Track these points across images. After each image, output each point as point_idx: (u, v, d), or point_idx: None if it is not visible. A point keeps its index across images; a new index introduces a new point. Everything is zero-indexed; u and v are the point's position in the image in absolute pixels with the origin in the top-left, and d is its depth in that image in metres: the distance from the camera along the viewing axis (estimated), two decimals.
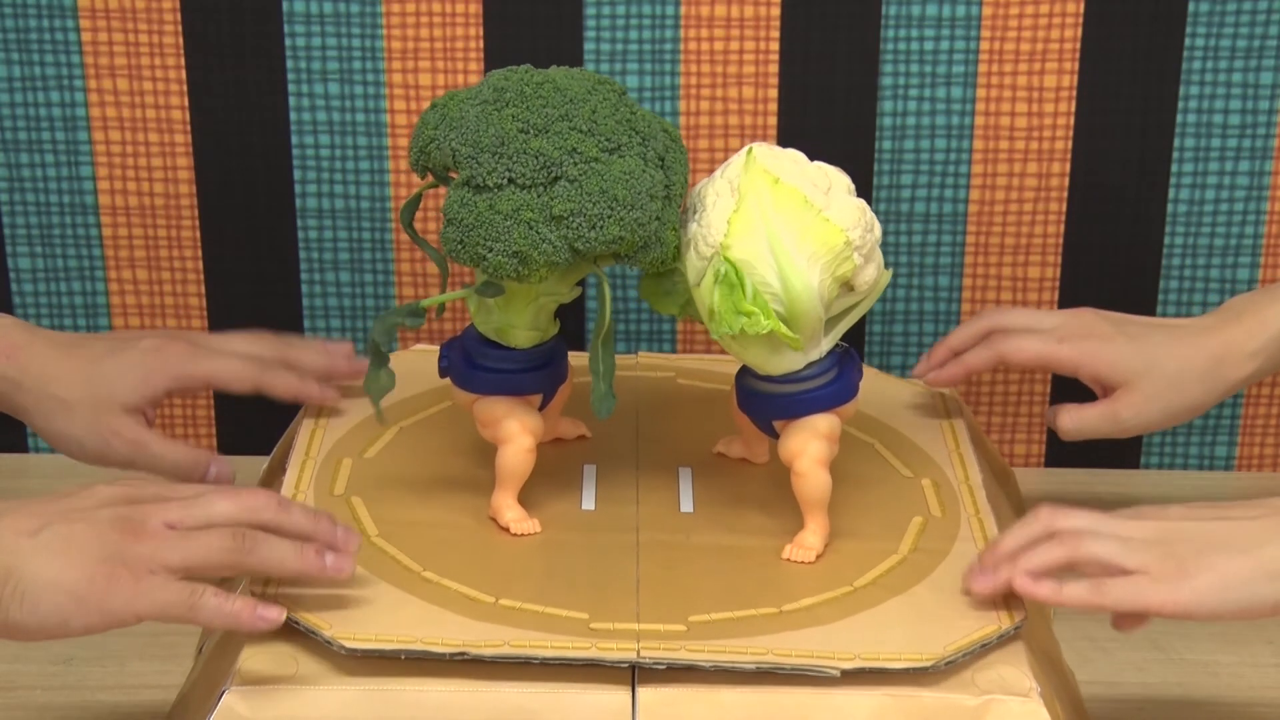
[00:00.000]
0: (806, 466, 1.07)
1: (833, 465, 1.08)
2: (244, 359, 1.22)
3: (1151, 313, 1.42)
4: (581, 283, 1.11)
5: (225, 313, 1.43)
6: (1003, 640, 1.01)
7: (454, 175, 1.05)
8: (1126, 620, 1.02)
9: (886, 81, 1.37)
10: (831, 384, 1.07)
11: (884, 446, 1.21)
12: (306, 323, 1.43)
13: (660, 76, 1.37)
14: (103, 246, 1.41)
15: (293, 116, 1.38)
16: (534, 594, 1.02)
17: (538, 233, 1.01)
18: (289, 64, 1.37)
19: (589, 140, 1.02)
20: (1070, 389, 1.29)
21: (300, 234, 1.41)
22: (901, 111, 1.38)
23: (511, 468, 1.10)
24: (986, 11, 1.35)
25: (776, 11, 1.35)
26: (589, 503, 1.13)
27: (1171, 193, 1.39)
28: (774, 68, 1.37)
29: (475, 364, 1.09)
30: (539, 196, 1.01)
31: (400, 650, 0.97)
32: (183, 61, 1.36)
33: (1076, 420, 1.22)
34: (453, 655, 0.97)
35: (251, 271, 1.42)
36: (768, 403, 1.08)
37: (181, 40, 1.36)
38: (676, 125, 1.37)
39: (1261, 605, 0.98)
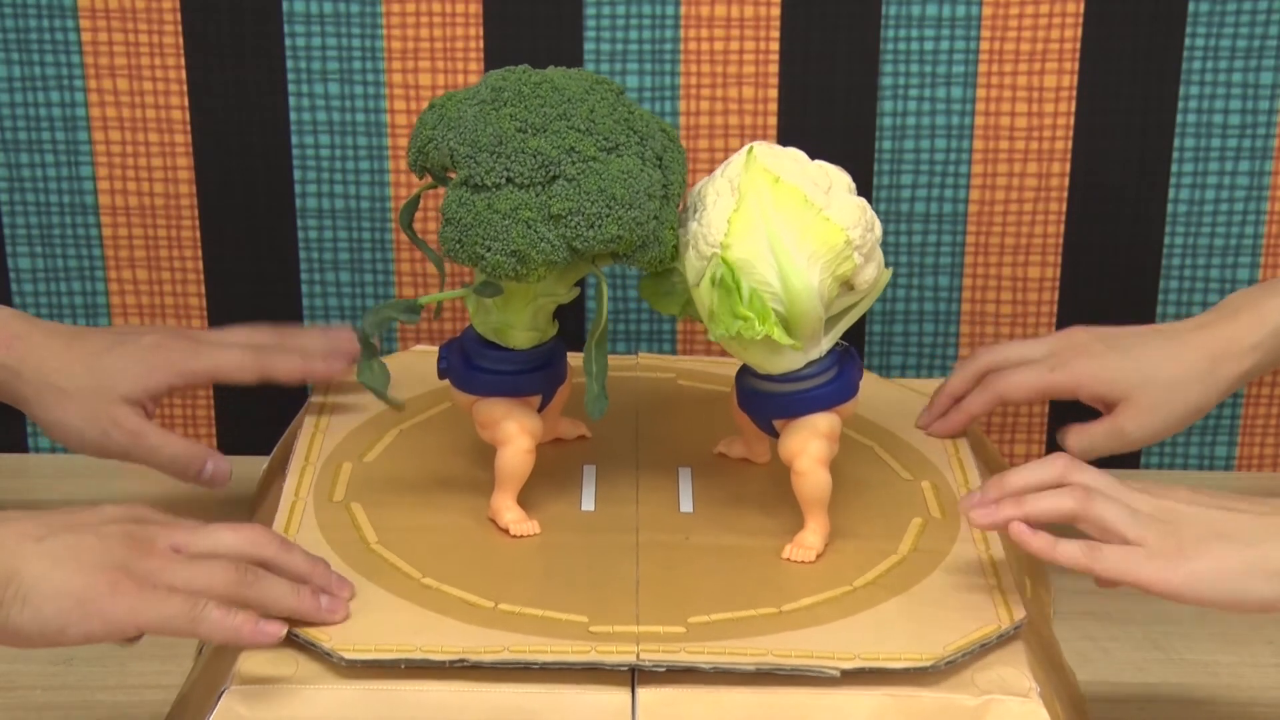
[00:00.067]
0: (806, 465, 1.07)
1: (832, 467, 1.08)
2: (245, 349, 1.22)
3: (1152, 312, 1.42)
4: (580, 283, 1.11)
5: (225, 312, 1.43)
6: (1002, 640, 1.01)
7: (452, 175, 1.05)
8: (1108, 584, 1.02)
9: (886, 81, 1.37)
10: (831, 383, 1.07)
11: (883, 450, 1.21)
12: (306, 323, 1.43)
13: (660, 76, 1.37)
14: (103, 246, 1.41)
15: (293, 116, 1.38)
16: (533, 597, 1.02)
17: (536, 232, 1.01)
18: (289, 64, 1.37)
19: (587, 139, 1.02)
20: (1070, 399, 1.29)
21: (300, 234, 1.41)
22: (901, 111, 1.38)
23: (510, 469, 1.10)
24: (986, 11, 1.35)
25: (776, 11, 1.35)
26: (589, 503, 1.13)
27: (1171, 193, 1.39)
28: (774, 68, 1.37)
29: (474, 365, 1.09)
30: (537, 196, 1.01)
31: (400, 660, 0.97)
32: (183, 61, 1.36)
33: (1083, 440, 1.22)
34: (452, 663, 0.97)
35: (251, 271, 1.42)
36: (768, 402, 1.08)
37: (181, 40, 1.36)
38: (676, 125, 1.37)
39: (1252, 600, 0.98)
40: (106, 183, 1.39)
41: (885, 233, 1.38)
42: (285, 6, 1.35)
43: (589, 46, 1.36)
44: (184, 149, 1.39)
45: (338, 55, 1.36)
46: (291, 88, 1.37)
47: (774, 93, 1.37)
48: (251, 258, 1.42)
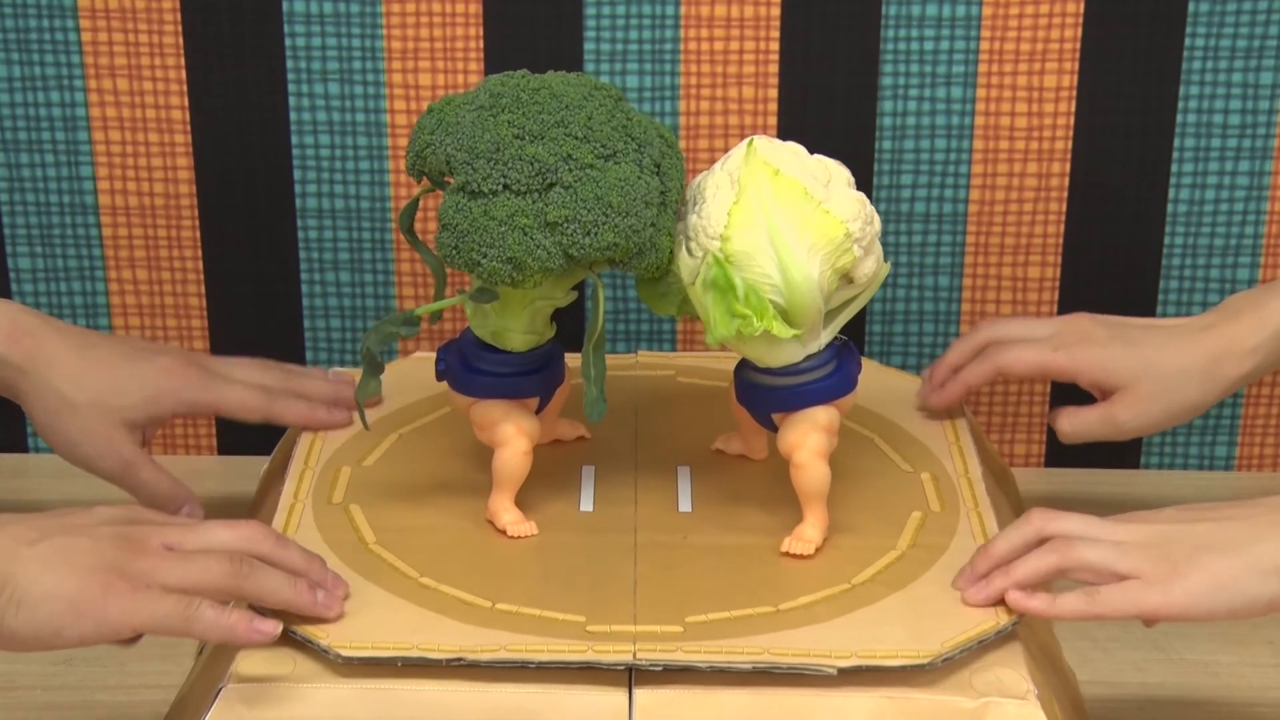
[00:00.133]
0: (805, 459, 1.07)
1: (831, 459, 1.08)
2: (253, 389, 1.22)
3: (1152, 312, 1.42)
4: (578, 287, 1.11)
5: (225, 313, 1.43)
6: (1001, 636, 1.00)
7: (449, 180, 1.05)
8: (1150, 621, 1.02)
9: (886, 81, 1.37)
10: (830, 376, 1.07)
11: (883, 440, 1.21)
12: (306, 323, 1.43)
13: (660, 76, 1.37)
14: (103, 246, 1.41)
15: (293, 116, 1.38)
16: (531, 597, 1.02)
17: (532, 239, 1.01)
18: (289, 64, 1.37)
19: (584, 146, 1.02)
20: (1070, 390, 1.29)
21: (300, 234, 1.41)
22: (901, 111, 1.38)
23: (508, 471, 1.10)
24: (986, 11, 1.35)
25: (776, 11, 1.35)
26: (587, 504, 1.13)
27: (1171, 193, 1.39)
28: (774, 68, 1.37)
29: (472, 367, 1.09)
30: (534, 202, 1.01)
31: (397, 658, 0.97)
32: (183, 61, 1.36)
33: (1075, 424, 1.23)
34: (449, 661, 0.97)
35: (251, 271, 1.42)
36: (767, 395, 1.08)
37: (181, 40, 1.36)
38: (676, 125, 1.37)
39: (1255, 603, 0.98)
40: (106, 183, 1.40)
41: (885, 233, 1.39)
42: (285, 6, 1.35)
43: (589, 47, 1.36)
44: (184, 149, 1.39)
45: (338, 55, 1.36)
46: (291, 88, 1.37)
47: (774, 93, 1.37)
48: (251, 258, 1.42)
